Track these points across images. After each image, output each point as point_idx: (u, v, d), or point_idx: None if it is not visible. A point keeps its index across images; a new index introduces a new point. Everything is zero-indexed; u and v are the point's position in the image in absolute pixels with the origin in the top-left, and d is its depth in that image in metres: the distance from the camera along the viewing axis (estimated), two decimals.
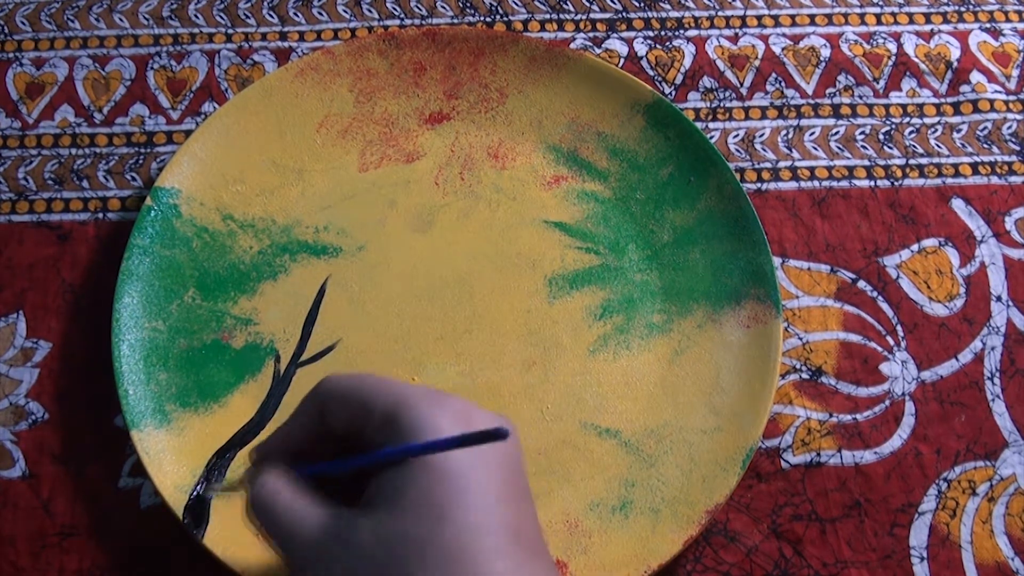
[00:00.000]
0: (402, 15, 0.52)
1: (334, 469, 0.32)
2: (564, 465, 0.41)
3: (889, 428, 0.43)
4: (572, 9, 0.52)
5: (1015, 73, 0.51)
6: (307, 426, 0.33)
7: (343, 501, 0.31)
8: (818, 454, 0.42)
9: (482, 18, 0.52)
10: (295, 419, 0.33)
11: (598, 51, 0.51)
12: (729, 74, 0.51)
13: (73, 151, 0.48)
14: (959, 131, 0.49)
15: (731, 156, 0.48)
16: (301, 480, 0.32)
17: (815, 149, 0.49)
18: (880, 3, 0.53)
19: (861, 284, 0.46)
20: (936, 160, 0.49)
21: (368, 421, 0.31)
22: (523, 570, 0.29)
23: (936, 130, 0.49)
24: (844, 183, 0.48)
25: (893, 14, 0.53)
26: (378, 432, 0.30)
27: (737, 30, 0.52)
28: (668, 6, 0.52)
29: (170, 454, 0.40)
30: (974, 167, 0.48)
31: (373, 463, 0.30)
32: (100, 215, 0.47)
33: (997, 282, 0.46)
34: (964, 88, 0.50)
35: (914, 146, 0.49)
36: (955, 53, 0.51)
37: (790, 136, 0.49)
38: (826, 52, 0.51)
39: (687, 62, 0.51)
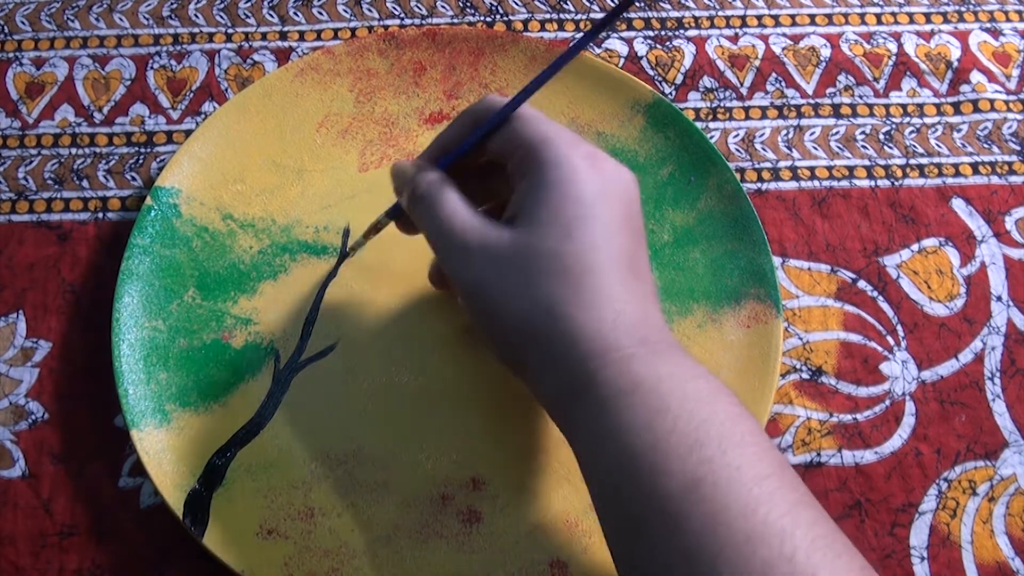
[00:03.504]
0: (402, 15, 0.52)
1: (467, 144, 0.36)
2: (564, 465, 0.41)
3: (889, 428, 0.43)
4: (572, 9, 0.52)
5: (1015, 73, 0.51)
6: (463, 137, 0.36)
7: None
8: (818, 454, 0.42)
9: (482, 18, 0.52)
10: (451, 128, 0.37)
11: (598, 51, 0.51)
12: (729, 74, 0.51)
13: (73, 151, 0.48)
14: (959, 131, 0.49)
15: (731, 156, 0.48)
16: (456, 187, 0.36)
17: (815, 149, 0.49)
18: (880, 3, 0.53)
19: (861, 284, 0.46)
20: (936, 160, 0.49)
21: (514, 151, 0.35)
22: (629, 286, 0.33)
23: (936, 130, 0.49)
24: (844, 183, 0.48)
25: (893, 14, 0.53)
26: (519, 163, 0.34)
27: (737, 30, 0.52)
28: (668, 6, 0.52)
29: (170, 454, 0.40)
30: (974, 167, 0.48)
31: (494, 125, 0.35)
32: (100, 215, 0.47)
33: (997, 282, 0.46)
34: (964, 88, 0.50)
35: (914, 146, 0.49)
36: (955, 53, 0.51)
37: (790, 136, 0.49)
38: (826, 52, 0.51)
39: (687, 62, 0.51)
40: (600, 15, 0.52)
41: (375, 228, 0.41)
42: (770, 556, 0.27)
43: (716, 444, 0.29)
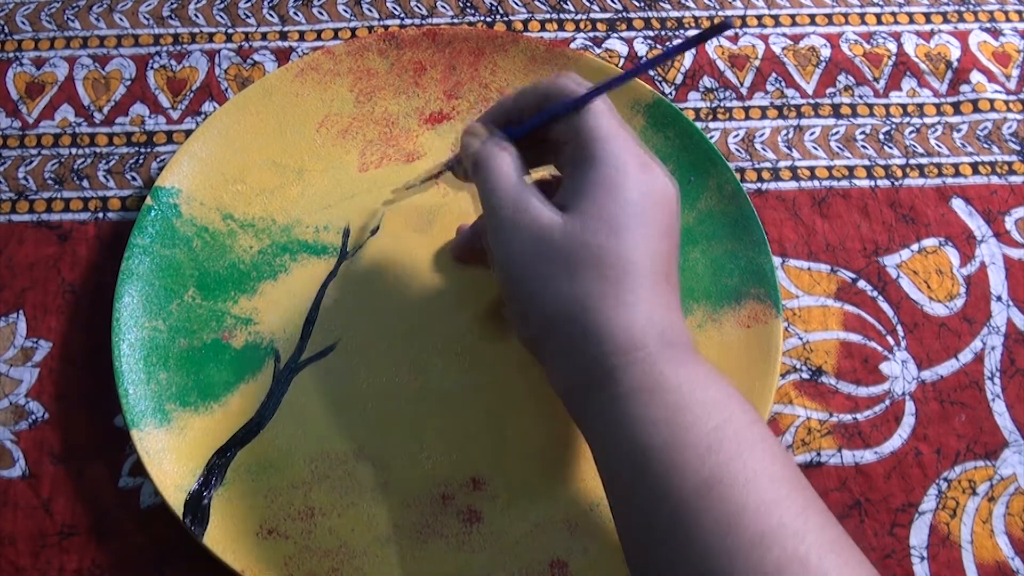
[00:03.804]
0: (402, 15, 0.52)
1: (533, 124, 0.36)
2: (564, 465, 0.41)
3: (889, 428, 0.43)
4: (572, 9, 0.52)
5: (1015, 73, 0.51)
6: (529, 108, 0.37)
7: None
8: (818, 454, 0.42)
9: (482, 18, 0.52)
10: (517, 98, 0.37)
11: (598, 51, 0.51)
12: (729, 74, 0.51)
13: (73, 151, 0.48)
14: (959, 131, 0.49)
15: (731, 156, 0.48)
16: (519, 159, 0.36)
17: (815, 149, 0.49)
18: (880, 3, 0.53)
19: (861, 284, 0.46)
20: (936, 160, 0.49)
21: (571, 139, 0.35)
22: (661, 292, 0.34)
23: (936, 130, 0.49)
24: (844, 183, 0.48)
25: (893, 14, 0.53)
26: (574, 150, 0.35)
27: (737, 30, 0.52)
28: (668, 6, 0.52)
29: (170, 454, 0.40)
30: (974, 167, 0.48)
31: (565, 111, 0.35)
32: (100, 215, 0.47)
33: (997, 282, 0.46)
34: (964, 88, 0.50)
35: (914, 146, 0.49)
36: (955, 53, 0.51)
37: (790, 136, 0.49)
38: (826, 52, 0.51)
39: (687, 62, 0.51)
40: (600, 15, 0.52)
41: (435, 175, 0.41)
42: (783, 557, 0.27)
43: (733, 446, 0.30)
